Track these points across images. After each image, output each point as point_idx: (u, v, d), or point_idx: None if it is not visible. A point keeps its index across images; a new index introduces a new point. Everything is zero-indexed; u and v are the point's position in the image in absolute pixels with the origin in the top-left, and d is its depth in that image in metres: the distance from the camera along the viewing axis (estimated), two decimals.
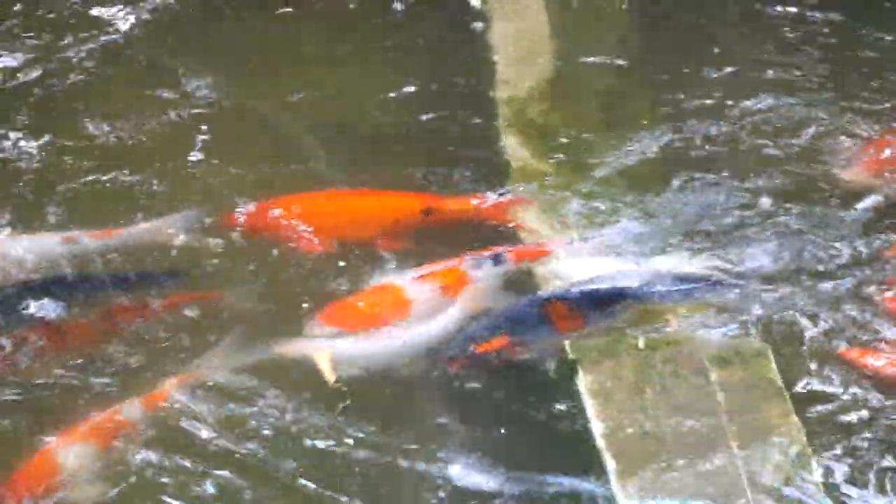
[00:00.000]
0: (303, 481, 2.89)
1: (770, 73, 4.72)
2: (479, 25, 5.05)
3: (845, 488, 2.86)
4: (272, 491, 2.90)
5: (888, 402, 3.11)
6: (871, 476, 2.90)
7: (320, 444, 3.02)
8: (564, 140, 4.43)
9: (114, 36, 4.99)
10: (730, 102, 4.51)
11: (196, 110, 4.57)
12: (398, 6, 5.13)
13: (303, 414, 3.08)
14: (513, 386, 3.38)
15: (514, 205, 4.01)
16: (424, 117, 4.58)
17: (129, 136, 4.38)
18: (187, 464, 2.93)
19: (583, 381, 3.09)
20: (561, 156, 4.29)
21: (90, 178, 4.12)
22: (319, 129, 4.51)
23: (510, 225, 3.93)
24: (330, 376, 3.24)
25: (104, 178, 4.14)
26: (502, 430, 3.25)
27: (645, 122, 4.48)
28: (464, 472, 2.99)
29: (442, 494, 2.93)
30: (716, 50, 4.94)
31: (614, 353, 3.19)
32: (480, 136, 4.53)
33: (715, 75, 4.74)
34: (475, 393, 3.29)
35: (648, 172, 4.23)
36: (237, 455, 2.92)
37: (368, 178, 4.14)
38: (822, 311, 3.40)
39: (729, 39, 5.02)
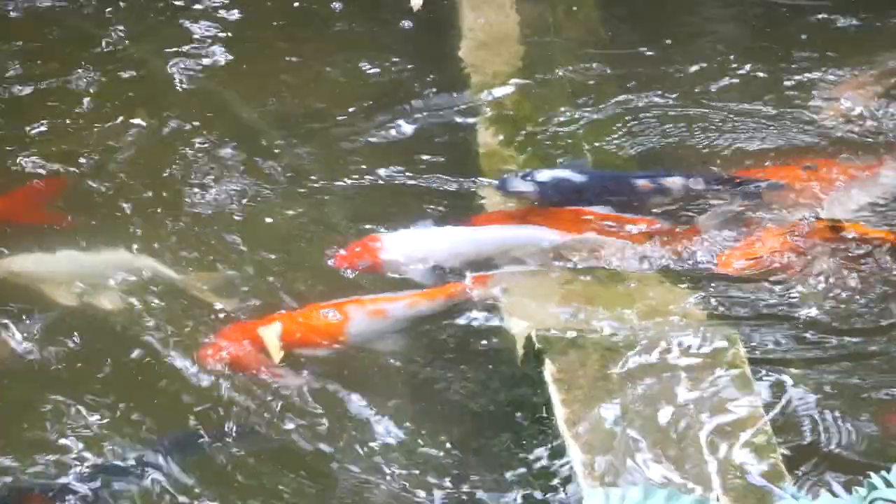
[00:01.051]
0: None
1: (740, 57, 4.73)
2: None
3: (811, 476, 2.86)
4: None
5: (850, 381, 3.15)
6: (838, 463, 2.90)
7: None
8: (533, 127, 4.40)
9: None
10: (698, 90, 4.52)
11: None
12: None
13: None
14: (480, 373, 3.37)
15: None
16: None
17: None
18: None
19: (548, 370, 3.05)
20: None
21: None
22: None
23: None
24: (275, 355, 3.21)
25: None
26: (468, 418, 3.23)
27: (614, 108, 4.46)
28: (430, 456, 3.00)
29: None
30: (687, 36, 4.94)
31: (580, 341, 3.16)
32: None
33: (685, 62, 4.73)
34: (439, 380, 3.27)
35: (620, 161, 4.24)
36: None
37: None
38: None
39: (699, 26, 5.04)
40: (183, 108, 4.42)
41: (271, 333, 3.25)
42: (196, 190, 3.97)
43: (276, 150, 4.28)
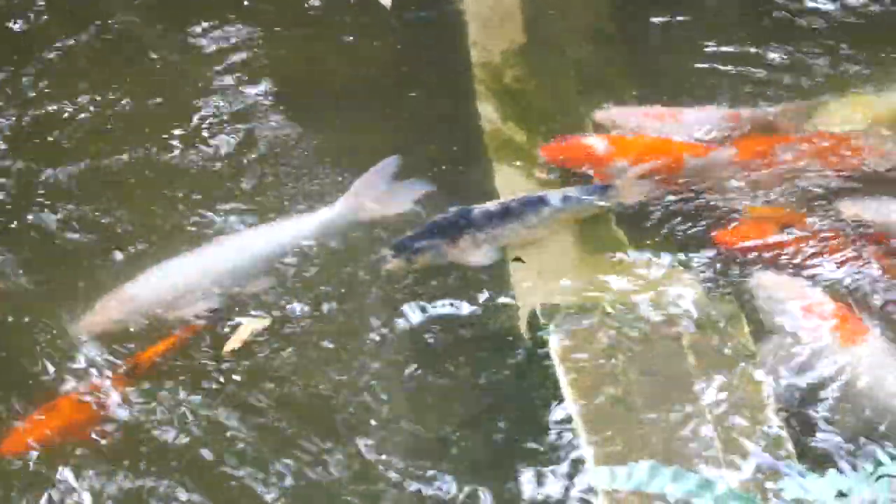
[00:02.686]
0: None
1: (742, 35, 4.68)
2: None
3: (817, 451, 2.86)
4: None
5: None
6: (842, 441, 2.89)
7: None
8: (538, 104, 4.37)
9: None
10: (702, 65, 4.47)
11: None
12: None
13: None
14: (486, 351, 3.37)
15: None
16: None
17: None
18: None
19: (554, 347, 3.05)
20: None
21: None
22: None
23: None
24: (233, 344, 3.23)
25: None
26: (477, 398, 3.23)
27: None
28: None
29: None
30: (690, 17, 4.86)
31: (586, 318, 3.14)
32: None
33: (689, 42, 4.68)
34: (446, 359, 3.26)
35: None
36: None
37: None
38: None
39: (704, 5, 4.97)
40: None
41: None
42: None
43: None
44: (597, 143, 4.05)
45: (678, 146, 3.97)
